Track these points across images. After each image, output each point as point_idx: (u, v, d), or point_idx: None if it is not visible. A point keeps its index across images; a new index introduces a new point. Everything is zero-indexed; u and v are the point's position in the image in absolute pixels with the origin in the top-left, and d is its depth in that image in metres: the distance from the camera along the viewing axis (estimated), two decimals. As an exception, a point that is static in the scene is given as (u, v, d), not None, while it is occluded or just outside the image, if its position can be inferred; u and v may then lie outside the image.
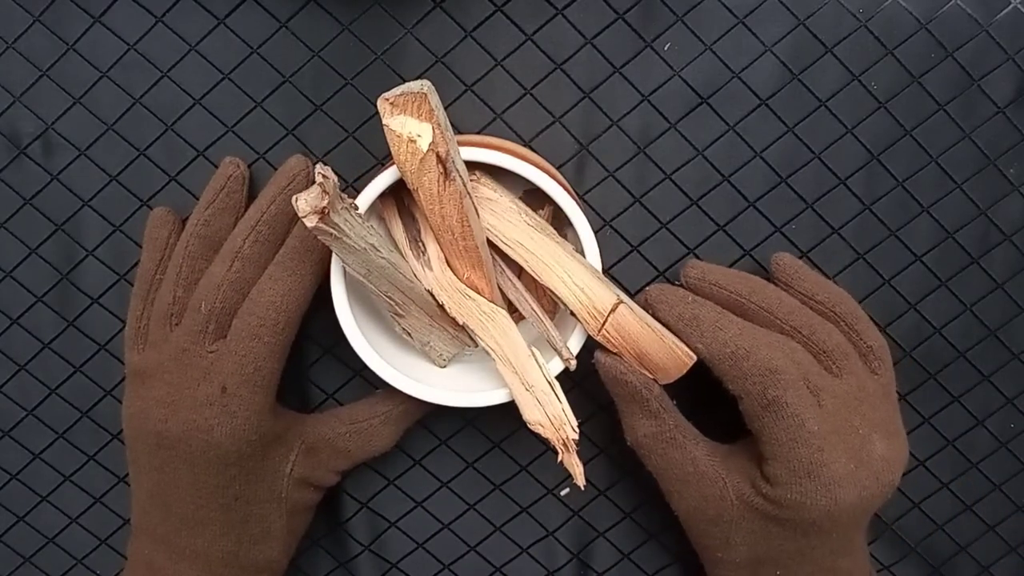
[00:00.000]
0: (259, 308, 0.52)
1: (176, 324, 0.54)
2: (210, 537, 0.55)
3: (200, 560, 0.55)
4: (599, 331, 0.51)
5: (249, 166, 0.58)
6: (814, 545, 0.53)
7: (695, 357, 0.51)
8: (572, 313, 0.51)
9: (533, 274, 0.51)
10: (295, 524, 0.59)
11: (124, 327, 0.60)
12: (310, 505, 0.59)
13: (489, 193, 0.51)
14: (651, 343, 0.51)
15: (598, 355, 0.53)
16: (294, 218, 0.54)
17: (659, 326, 0.51)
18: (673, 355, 0.51)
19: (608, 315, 0.50)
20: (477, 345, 0.54)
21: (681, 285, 0.56)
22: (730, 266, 0.60)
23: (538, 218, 0.52)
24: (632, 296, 0.53)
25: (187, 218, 0.56)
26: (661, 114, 0.58)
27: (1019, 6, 0.56)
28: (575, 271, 0.50)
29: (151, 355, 0.55)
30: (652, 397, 0.53)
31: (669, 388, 0.54)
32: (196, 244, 0.55)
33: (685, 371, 0.52)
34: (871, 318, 0.57)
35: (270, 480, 0.56)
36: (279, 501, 0.57)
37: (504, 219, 0.51)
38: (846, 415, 0.52)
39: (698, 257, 0.59)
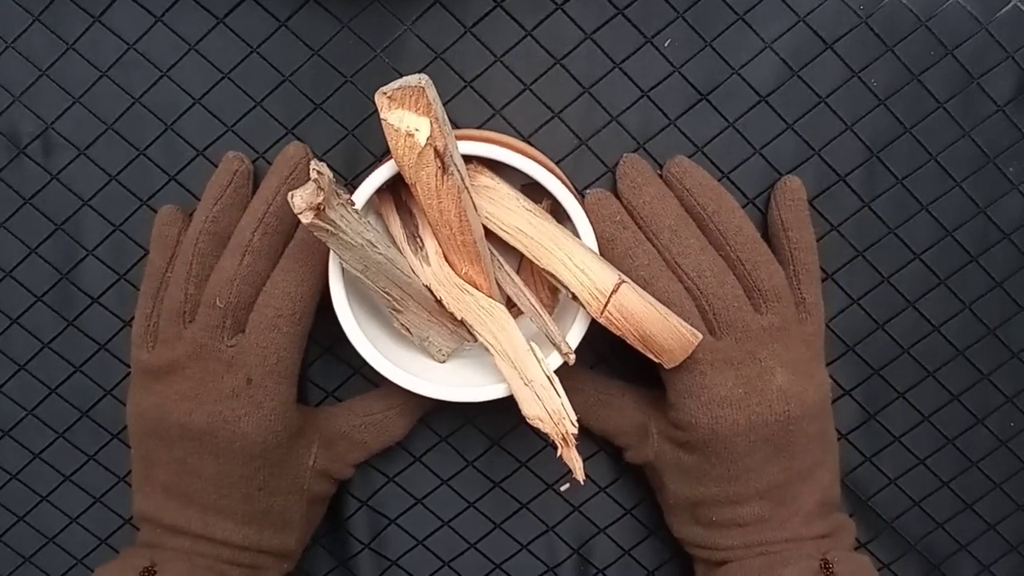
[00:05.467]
0: (275, 300, 0.53)
1: (190, 321, 0.55)
2: (231, 526, 0.55)
3: (219, 545, 0.55)
4: (602, 312, 0.50)
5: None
6: (720, 473, 0.55)
7: (700, 336, 0.52)
8: (574, 296, 0.51)
9: (533, 259, 0.51)
10: (312, 514, 0.60)
11: (124, 327, 0.61)
12: (326, 496, 0.60)
13: (488, 181, 0.51)
14: (655, 324, 0.51)
15: None
16: None
17: (663, 307, 0.51)
18: (678, 335, 0.51)
19: (610, 296, 0.50)
20: (476, 340, 0.54)
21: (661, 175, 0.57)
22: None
23: (536, 204, 0.52)
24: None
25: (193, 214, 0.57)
26: (661, 110, 0.58)
27: (1019, 4, 0.56)
28: (576, 253, 0.50)
29: (163, 352, 0.55)
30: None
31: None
32: (205, 241, 0.55)
33: (691, 351, 0.52)
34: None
35: (293, 472, 0.57)
36: (301, 493, 0.57)
37: (502, 206, 0.51)
38: (751, 347, 0.54)
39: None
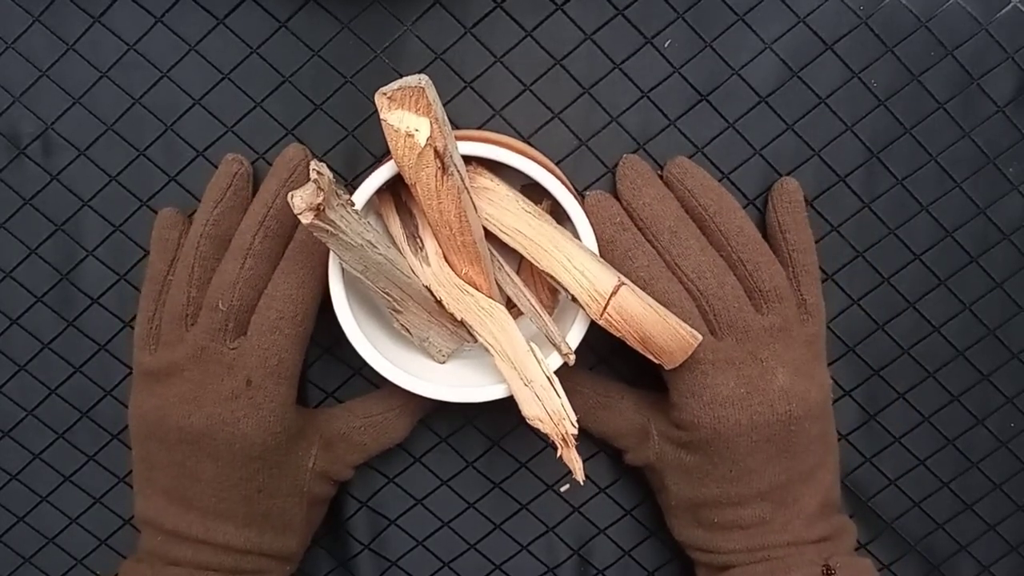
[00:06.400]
0: (276, 302, 0.53)
1: (192, 324, 0.55)
2: (232, 529, 0.55)
3: (221, 550, 0.55)
4: (601, 314, 0.50)
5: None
6: (722, 474, 0.55)
7: (700, 337, 0.51)
8: (573, 298, 0.51)
9: (532, 260, 0.51)
10: (313, 516, 0.59)
11: (124, 327, 0.61)
12: (326, 498, 0.60)
13: (487, 182, 0.51)
14: (654, 325, 0.51)
15: None
16: None
17: (662, 308, 0.51)
18: (677, 336, 0.51)
19: (610, 298, 0.50)
20: (476, 341, 0.54)
21: (661, 176, 0.57)
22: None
23: (535, 206, 0.52)
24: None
25: (193, 216, 0.57)
26: (661, 111, 0.58)
27: (1019, 5, 0.56)
28: (575, 255, 0.50)
29: (165, 355, 0.55)
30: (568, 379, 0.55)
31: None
32: (207, 244, 0.55)
33: (691, 352, 0.52)
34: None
35: (293, 474, 0.57)
36: (300, 495, 0.57)
37: (502, 207, 0.51)
38: (753, 348, 0.54)
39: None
